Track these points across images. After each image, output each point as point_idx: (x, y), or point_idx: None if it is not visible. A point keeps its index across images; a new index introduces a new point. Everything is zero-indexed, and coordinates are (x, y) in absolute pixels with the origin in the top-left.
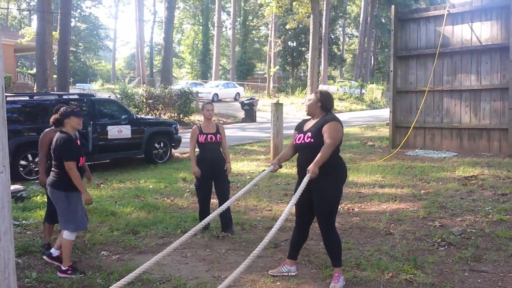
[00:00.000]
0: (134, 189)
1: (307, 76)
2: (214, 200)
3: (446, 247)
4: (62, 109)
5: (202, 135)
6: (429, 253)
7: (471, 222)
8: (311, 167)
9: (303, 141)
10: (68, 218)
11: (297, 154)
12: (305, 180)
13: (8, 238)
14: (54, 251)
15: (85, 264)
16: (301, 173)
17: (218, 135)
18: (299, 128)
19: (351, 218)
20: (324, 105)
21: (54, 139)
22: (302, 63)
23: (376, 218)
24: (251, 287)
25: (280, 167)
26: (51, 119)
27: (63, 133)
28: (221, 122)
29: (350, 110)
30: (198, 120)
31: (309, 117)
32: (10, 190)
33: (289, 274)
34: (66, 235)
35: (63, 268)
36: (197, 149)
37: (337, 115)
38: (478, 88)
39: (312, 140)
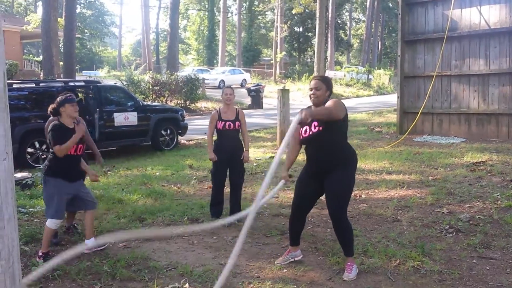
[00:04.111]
0: (141, 176)
1: (313, 61)
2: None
3: (454, 233)
4: (57, 98)
5: (220, 122)
6: (437, 240)
7: (479, 209)
8: (305, 111)
9: (311, 133)
10: (46, 203)
11: (305, 147)
12: (295, 121)
13: (12, 226)
14: (88, 242)
15: (92, 251)
16: (313, 166)
17: (237, 122)
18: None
19: (358, 205)
20: (331, 91)
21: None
22: (309, 48)
23: (384, 205)
24: (258, 274)
25: (291, 176)
26: (49, 109)
27: (55, 121)
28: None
29: (357, 96)
30: (204, 107)
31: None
32: (13, 177)
33: (295, 259)
34: (48, 223)
35: (39, 253)
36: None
37: (344, 101)
38: (487, 72)
39: (320, 128)
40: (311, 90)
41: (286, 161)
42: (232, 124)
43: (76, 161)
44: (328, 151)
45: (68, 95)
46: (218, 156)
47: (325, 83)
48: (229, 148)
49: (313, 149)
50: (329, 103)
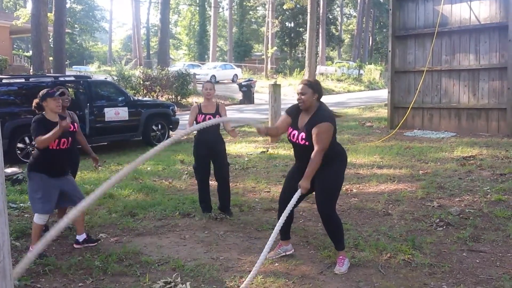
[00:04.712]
0: (132, 171)
1: (305, 57)
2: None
3: (444, 227)
4: (40, 92)
5: (200, 115)
6: (427, 234)
7: (469, 202)
8: (302, 183)
9: (297, 141)
10: (31, 198)
11: (293, 148)
12: (297, 195)
13: (3, 221)
14: (79, 237)
15: (83, 246)
16: (302, 166)
17: (217, 116)
18: (293, 116)
19: (350, 199)
20: (320, 95)
21: None
22: (300, 44)
23: (374, 199)
24: (250, 269)
25: (266, 134)
26: (33, 104)
27: (39, 115)
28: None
29: (348, 91)
30: (195, 102)
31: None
32: (4, 172)
33: (286, 253)
34: (35, 218)
35: (30, 248)
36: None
37: (334, 96)
38: (477, 67)
39: (307, 143)
40: (298, 95)
41: (271, 127)
42: (212, 118)
43: (59, 156)
44: None
45: (61, 88)
46: (199, 151)
47: (311, 87)
48: (209, 143)
49: (299, 152)
50: (314, 139)
